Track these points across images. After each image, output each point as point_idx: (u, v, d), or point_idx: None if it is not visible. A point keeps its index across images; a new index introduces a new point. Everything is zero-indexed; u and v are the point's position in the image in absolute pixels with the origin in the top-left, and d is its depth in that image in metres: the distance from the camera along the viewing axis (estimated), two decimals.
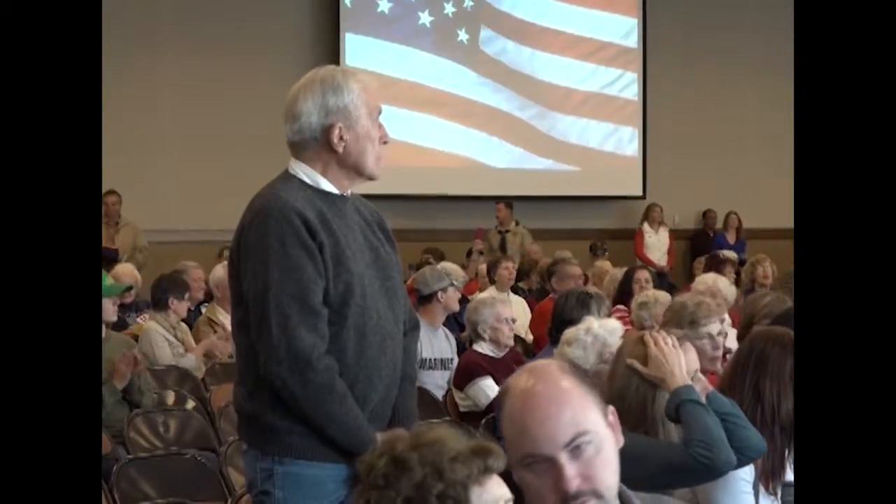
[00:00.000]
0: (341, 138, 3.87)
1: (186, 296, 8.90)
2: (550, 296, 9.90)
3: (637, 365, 4.07)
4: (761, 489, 4.05)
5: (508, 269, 11.23)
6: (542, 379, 2.62)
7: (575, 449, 2.54)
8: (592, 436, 2.57)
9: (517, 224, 15.18)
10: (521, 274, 12.36)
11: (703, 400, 4.03)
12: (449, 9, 16.25)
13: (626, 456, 2.71)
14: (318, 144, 3.89)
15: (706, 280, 8.61)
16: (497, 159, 16.54)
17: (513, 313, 7.63)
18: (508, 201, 15.44)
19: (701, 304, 5.91)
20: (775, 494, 4.05)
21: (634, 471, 2.78)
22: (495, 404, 6.23)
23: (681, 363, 4.03)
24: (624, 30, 17.18)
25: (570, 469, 2.53)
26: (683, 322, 5.68)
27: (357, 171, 3.93)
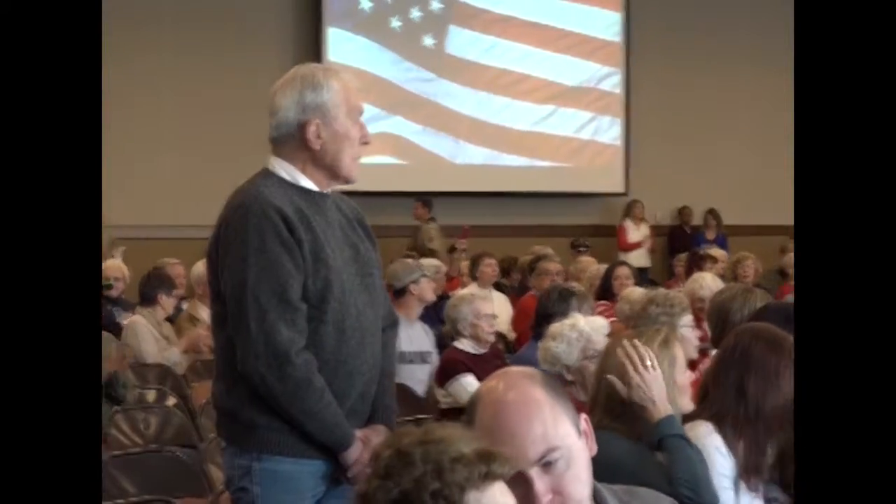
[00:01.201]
0: (318, 136, 3.86)
1: (174, 291, 8.94)
2: (530, 292, 9.91)
3: (620, 386, 4.04)
4: (743, 486, 4.04)
5: (491, 265, 11.22)
6: (513, 389, 2.57)
7: (546, 464, 2.51)
8: (564, 450, 2.52)
9: (427, 221, 15.18)
10: (505, 271, 12.37)
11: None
12: (415, 13, 16.24)
13: (609, 464, 2.69)
14: (295, 141, 3.88)
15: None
16: (478, 156, 16.54)
17: (494, 310, 7.63)
18: (426, 199, 15.45)
19: (670, 295, 5.96)
20: (757, 491, 4.04)
21: (615, 481, 2.77)
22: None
23: (661, 388, 4.00)
24: (606, 24, 17.17)
25: (541, 484, 2.49)
26: (658, 314, 5.71)
27: (332, 170, 3.91)
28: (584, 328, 5.28)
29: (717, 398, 4.10)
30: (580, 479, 2.56)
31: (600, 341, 5.09)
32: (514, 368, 2.75)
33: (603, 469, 2.67)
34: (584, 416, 2.65)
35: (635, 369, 3.99)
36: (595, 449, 2.64)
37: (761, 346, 4.12)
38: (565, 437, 2.55)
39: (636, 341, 4.08)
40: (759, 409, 4.03)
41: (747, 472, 4.03)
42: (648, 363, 4.00)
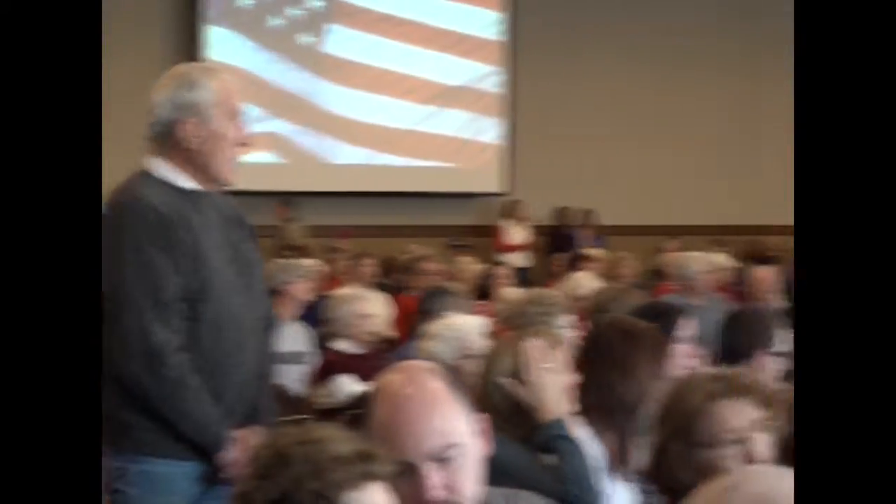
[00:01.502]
0: (193, 135, 3.84)
1: None
2: (409, 292, 9.92)
3: (512, 387, 4.05)
4: (617, 475, 4.09)
5: (371, 265, 11.20)
6: (413, 382, 2.57)
7: (440, 458, 2.51)
8: (460, 447, 2.53)
9: (287, 221, 15.21)
10: (386, 271, 12.35)
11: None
12: (295, 12, 16.18)
13: (495, 465, 2.69)
14: (171, 140, 3.86)
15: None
16: (358, 156, 16.50)
17: (373, 310, 7.62)
18: (287, 199, 15.44)
19: (547, 295, 6.01)
20: (630, 482, 4.09)
21: (502, 484, 2.78)
22: (362, 401, 6.21)
23: (554, 390, 4.03)
24: (487, 23, 17.19)
25: (433, 478, 2.49)
26: (536, 314, 5.76)
27: (206, 170, 3.89)
28: (461, 328, 5.29)
29: (580, 390, 4.15)
30: (473, 478, 2.57)
31: (477, 341, 5.11)
32: (414, 362, 2.75)
33: (490, 471, 2.68)
34: (480, 415, 2.66)
35: (532, 370, 4.01)
36: (489, 448, 2.65)
37: (617, 336, 4.21)
38: (463, 434, 2.56)
39: (534, 341, 4.10)
40: (618, 399, 4.09)
41: (615, 463, 4.09)
42: (544, 365, 4.03)
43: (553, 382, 4.01)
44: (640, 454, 4.19)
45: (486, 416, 2.72)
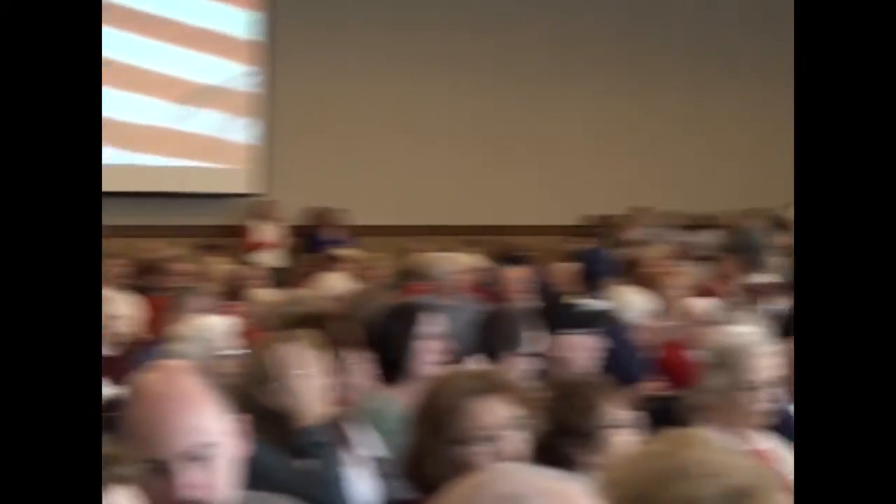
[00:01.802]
0: None
1: None
2: (159, 293, 9.79)
3: (267, 392, 4.02)
4: (354, 462, 4.13)
5: (120, 266, 11.03)
6: (169, 382, 2.57)
7: (194, 457, 2.49)
8: (216, 446, 2.52)
9: None
10: (137, 272, 12.17)
11: None
12: None
13: (249, 468, 2.68)
14: None
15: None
16: (110, 155, 16.04)
17: (123, 311, 7.51)
18: None
19: (300, 297, 6.02)
20: (367, 467, 4.13)
21: (255, 487, 2.76)
22: (111, 403, 6.14)
23: (310, 394, 4.02)
24: (245, 22, 17.00)
25: (185, 476, 2.47)
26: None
27: None
28: (210, 329, 5.26)
29: None
30: (227, 477, 2.56)
31: (226, 342, 5.09)
32: (172, 362, 2.75)
33: (244, 474, 2.67)
34: (238, 416, 2.65)
35: (287, 375, 3.98)
36: (246, 449, 2.64)
37: (342, 326, 4.32)
38: (218, 433, 2.55)
39: (286, 345, 4.09)
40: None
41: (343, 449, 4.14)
42: (298, 370, 4.01)
43: (308, 387, 4.00)
44: (373, 440, 4.25)
45: (244, 417, 2.71)
